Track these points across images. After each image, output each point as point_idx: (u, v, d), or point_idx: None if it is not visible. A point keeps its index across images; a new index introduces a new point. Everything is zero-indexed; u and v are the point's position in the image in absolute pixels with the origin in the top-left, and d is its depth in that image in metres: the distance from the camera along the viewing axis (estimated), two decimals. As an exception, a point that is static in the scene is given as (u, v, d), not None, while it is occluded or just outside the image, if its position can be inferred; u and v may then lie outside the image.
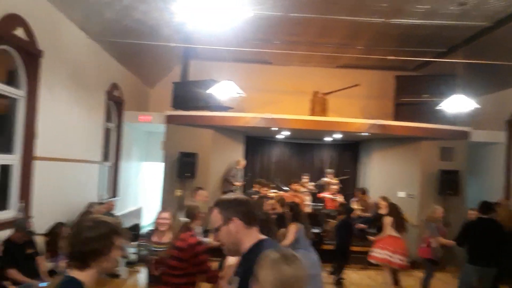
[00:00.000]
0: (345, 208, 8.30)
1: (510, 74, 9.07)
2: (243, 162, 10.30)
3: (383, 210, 7.52)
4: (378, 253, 7.10)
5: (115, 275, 6.98)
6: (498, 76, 9.57)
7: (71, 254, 1.90)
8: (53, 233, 5.79)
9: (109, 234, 1.93)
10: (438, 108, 8.16)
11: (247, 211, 2.09)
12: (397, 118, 10.38)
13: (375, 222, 8.28)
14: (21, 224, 5.17)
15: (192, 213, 4.18)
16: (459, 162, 9.72)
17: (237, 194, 2.28)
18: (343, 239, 7.74)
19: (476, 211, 6.27)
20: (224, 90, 7.73)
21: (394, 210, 7.32)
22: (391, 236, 7.07)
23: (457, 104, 7.28)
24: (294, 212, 5.74)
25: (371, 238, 7.56)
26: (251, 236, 2.07)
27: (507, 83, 9.57)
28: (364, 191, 10.31)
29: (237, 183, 9.97)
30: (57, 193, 6.65)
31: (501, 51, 8.58)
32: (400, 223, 7.18)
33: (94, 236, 1.88)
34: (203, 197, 6.11)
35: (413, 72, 11.88)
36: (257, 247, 2.00)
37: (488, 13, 7.59)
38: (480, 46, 8.78)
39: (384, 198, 7.78)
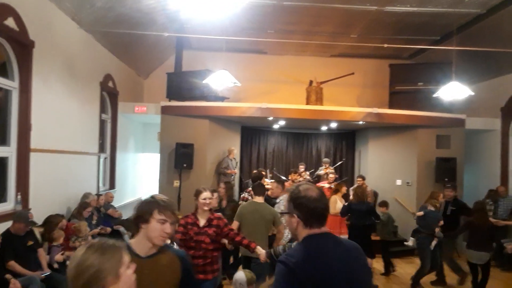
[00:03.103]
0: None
1: (504, 61, 9.08)
2: (234, 151, 10.29)
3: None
4: None
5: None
6: (492, 63, 9.57)
7: None
8: (48, 224, 5.77)
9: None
10: (433, 96, 8.17)
11: None
12: (392, 106, 10.41)
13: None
14: (23, 215, 5.16)
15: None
16: (455, 150, 9.76)
17: None
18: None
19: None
20: (219, 80, 7.71)
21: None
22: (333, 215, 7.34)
23: (452, 91, 7.27)
24: None
25: None
26: None
27: (502, 70, 9.58)
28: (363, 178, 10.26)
29: (232, 171, 9.99)
30: (54, 185, 6.64)
31: (494, 38, 8.58)
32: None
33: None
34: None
35: (407, 60, 11.90)
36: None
37: (481, 0, 7.57)
38: (474, 33, 8.77)
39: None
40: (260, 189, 5.53)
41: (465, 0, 7.58)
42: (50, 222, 5.78)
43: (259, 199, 5.45)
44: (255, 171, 9.32)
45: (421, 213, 7.08)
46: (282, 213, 5.06)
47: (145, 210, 2.24)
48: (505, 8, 7.65)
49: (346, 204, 7.55)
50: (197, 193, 4.23)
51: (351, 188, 10.45)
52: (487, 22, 8.30)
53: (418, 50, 11.04)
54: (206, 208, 4.19)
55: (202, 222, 4.18)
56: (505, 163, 9.68)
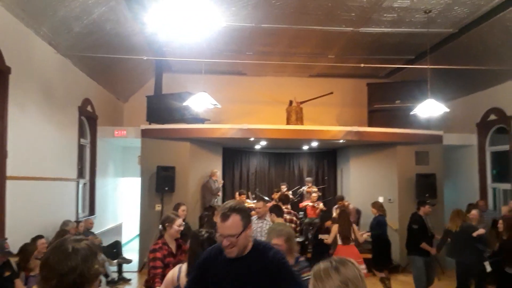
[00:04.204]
0: (323, 216, 8.28)
1: (478, 78, 9.35)
2: (217, 173, 10.30)
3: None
4: None
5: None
6: (466, 81, 9.85)
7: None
8: (23, 253, 5.57)
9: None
10: (410, 113, 8.33)
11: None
12: (371, 124, 10.55)
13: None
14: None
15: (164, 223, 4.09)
16: (435, 166, 9.90)
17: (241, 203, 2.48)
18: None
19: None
20: (199, 102, 7.71)
21: (341, 217, 7.16)
22: (341, 246, 6.83)
23: (429, 109, 7.42)
24: None
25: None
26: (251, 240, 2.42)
27: (475, 87, 9.86)
28: (342, 198, 10.35)
29: (218, 194, 10.02)
30: (31, 212, 6.46)
31: (467, 56, 8.84)
32: (346, 231, 6.91)
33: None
34: (183, 211, 6.07)
35: (384, 79, 12.14)
36: (256, 250, 2.39)
37: (453, 20, 7.84)
38: (447, 52, 9.04)
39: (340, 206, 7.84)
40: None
41: (437, 20, 7.83)
42: (26, 250, 5.58)
43: None
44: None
45: (483, 230, 6.44)
46: None
47: None
48: (476, 27, 7.91)
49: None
50: (170, 220, 4.00)
51: (335, 207, 10.49)
52: (460, 41, 8.56)
53: (394, 69, 11.29)
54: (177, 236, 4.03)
55: (173, 249, 3.99)
56: (483, 177, 9.88)
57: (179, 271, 3.12)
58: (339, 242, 6.89)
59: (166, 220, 4.04)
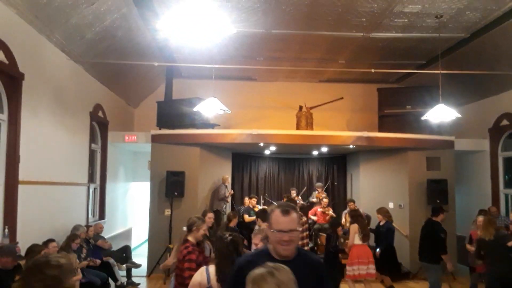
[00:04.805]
0: (333, 223, 8.19)
1: (489, 83, 9.26)
2: (229, 179, 10.43)
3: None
4: (350, 270, 7.03)
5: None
6: (477, 86, 9.76)
7: None
8: (30, 255, 5.60)
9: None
10: (422, 118, 8.27)
11: None
12: (381, 129, 10.49)
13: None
14: (11, 249, 5.03)
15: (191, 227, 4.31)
16: (446, 171, 9.80)
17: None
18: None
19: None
20: (209, 107, 7.75)
21: (356, 217, 7.30)
22: (357, 246, 7.06)
23: (440, 114, 7.37)
24: None
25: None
26: None
27: (487, 92, 9.76)
28: (353, 201, 10.23)
29: (230, 192, 10.29)
30: (42, 217, 6.52)
31: (479, 61, 8.77)
32: (366, 229, 7.20)
33: None
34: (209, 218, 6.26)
35: (395, 84, 12.08)
36: (300, 254, 2.38)
37: (464, 25, 7.78)
38: (459, 57, 8.97)
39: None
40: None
41: (448, 25, 7.78)
42: (32, 251, 5.61)
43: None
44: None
45: None
46: None
47: None
48: (487, 32, 7.85)
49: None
50: (198, 224, 4.27)
51: (344, 212, 10.44)
52: (471, 46, 8.49)
53: (405, 74, 11.23)
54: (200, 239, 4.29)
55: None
56: (496, 183, 9.75)
57: (207, 273, 3.23)
58: (357, 241, 7.02)
59: (193, 224, 4.26)
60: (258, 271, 1.81)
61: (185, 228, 4.36)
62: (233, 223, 7.48)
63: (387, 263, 7.54)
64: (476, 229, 6.94)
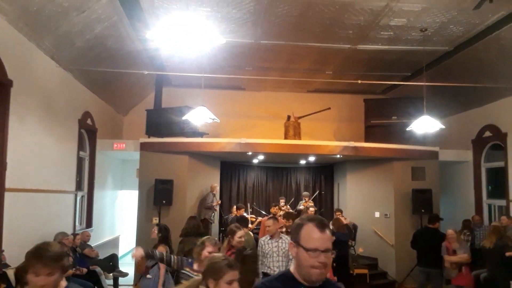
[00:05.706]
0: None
1: (473, 95, 9.49)
2: (217, 188, 10.42)
3: None
4: None
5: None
6: (461, 98, 9.99)
7: None
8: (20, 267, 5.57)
9: None
10: (407, 129, 8.43)
11: None
12: (368, 139, 10.65)
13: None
14: None
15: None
16: (430, 181, 9.97)
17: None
18: None
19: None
20: (198, 116, 7.81)
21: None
22: None
23: (425, 125, 7.53)
24: None
25: None
26: None
27: (471, 104, 9.99)
28: (340, 211, 10.32)
29: (218, 202, 10.24)
30: (29, 225, 6.46)
31: (463, 74, 8.99)
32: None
33: None
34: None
35: (381, 95, 12.29)
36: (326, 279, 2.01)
37: (448, 38, 8.00)
38: (443, 69, 9.19)
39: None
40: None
41: (433, 39, 7.98)
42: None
43: None
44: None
45: None
46: None
47: None
48: (471, 46, 8.06)
49: None
50: (232, 232, 4.77)
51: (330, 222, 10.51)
52: (455, 59, 8.71)
53: (391, 86, 11.43)
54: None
55: None
56: (479, 193, 9.95)
57: None
58: None
59: (229, 232, 4.87)
60: None
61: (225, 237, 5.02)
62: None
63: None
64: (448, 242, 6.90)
